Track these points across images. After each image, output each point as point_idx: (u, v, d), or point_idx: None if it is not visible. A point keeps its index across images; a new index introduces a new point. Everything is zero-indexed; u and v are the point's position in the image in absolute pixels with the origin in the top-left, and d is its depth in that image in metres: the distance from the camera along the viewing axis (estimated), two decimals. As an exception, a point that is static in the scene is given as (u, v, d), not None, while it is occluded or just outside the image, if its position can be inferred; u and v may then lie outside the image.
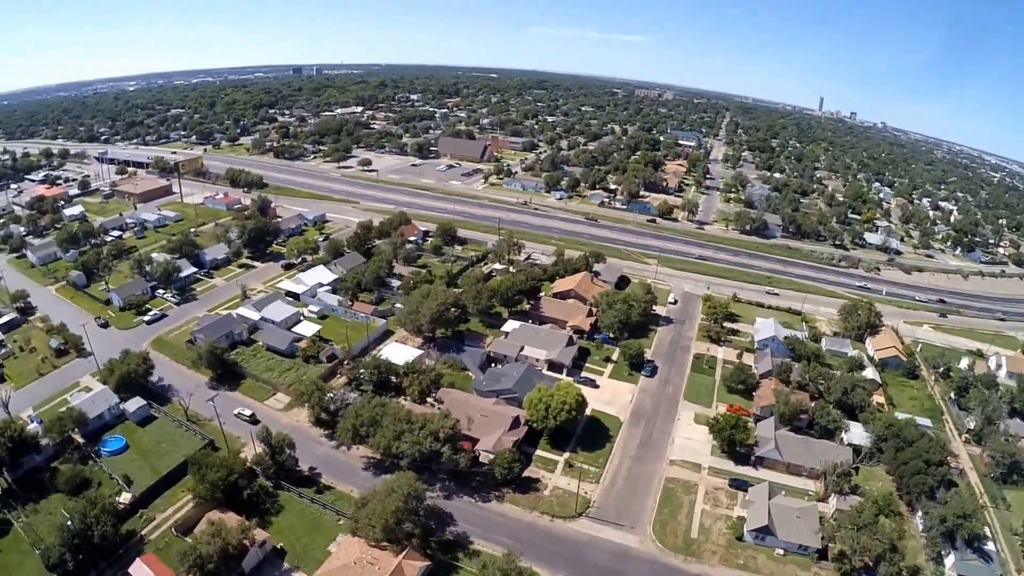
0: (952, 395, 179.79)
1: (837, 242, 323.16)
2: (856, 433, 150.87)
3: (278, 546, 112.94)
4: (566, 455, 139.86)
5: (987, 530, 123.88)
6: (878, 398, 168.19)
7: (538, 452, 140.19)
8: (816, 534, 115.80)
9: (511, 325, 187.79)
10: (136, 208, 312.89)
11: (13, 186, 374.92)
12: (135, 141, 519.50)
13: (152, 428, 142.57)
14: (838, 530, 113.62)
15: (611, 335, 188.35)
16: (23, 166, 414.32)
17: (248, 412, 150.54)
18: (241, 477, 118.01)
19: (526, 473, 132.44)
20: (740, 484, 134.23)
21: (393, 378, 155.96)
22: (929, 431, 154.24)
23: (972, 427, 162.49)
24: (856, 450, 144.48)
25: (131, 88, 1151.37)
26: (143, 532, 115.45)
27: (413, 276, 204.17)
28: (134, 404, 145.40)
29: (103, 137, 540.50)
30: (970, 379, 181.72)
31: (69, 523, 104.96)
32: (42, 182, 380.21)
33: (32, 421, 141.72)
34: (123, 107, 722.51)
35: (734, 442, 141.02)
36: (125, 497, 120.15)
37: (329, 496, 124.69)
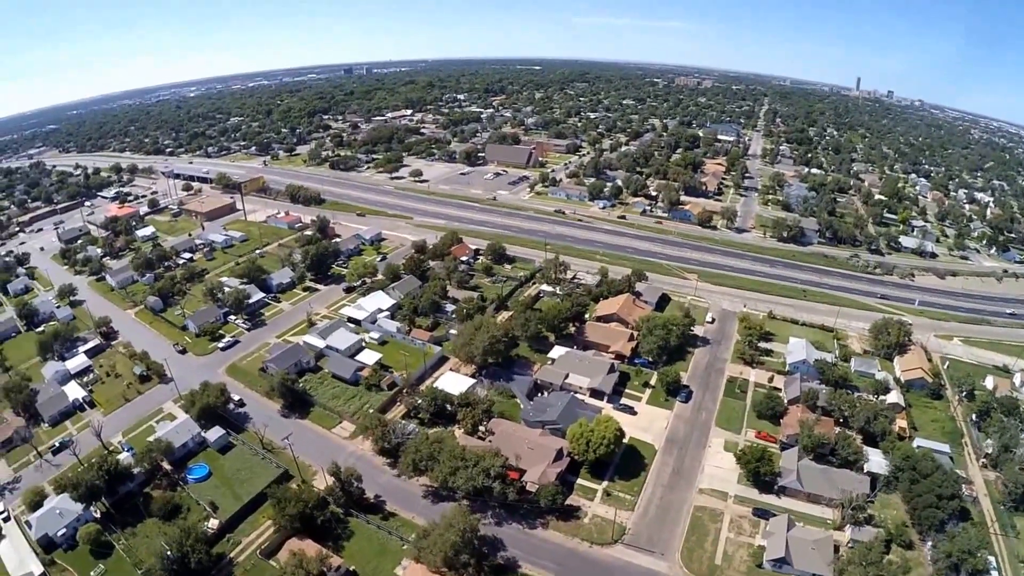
0: (974, 417, 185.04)
1: (872, 247, 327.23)
2: (875, 461, 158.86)
3: (351, 568, 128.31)
4: (604, 484, 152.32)
5: (993, 560, 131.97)
6: (901, 422, 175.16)
7: (579, 481, 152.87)
8: (829, 566, 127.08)
9: (557, 351, 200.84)
10: (203, 227, 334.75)
11: (87, 203, 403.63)
12: (198, 153, 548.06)
13: (231, 456, 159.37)
14: (848, 565, 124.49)
15: (650, 359, 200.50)
16: (95, 183, 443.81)
17: (236, 397, 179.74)
18: (315, 508, 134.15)
19: (568, 501, 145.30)
20: (763, 513, 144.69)
21: (448, 406, 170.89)
22: (947, 456, 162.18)
23: (989, 452, 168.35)
24: (874, 479, 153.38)
25: (191, 94, 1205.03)
26: (231, 555, 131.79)
27: (466, 303, 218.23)
28: (214, 433, 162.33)
29: (168, 150, 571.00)
30: (991, 403, 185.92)
31: (168, 552, 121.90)
32: (114, 199, 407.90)
33: (123, 448, 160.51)
34: (185, 117, 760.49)
35: (759, 473, 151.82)
36: (212, 523, 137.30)
37: (394, 523, 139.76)
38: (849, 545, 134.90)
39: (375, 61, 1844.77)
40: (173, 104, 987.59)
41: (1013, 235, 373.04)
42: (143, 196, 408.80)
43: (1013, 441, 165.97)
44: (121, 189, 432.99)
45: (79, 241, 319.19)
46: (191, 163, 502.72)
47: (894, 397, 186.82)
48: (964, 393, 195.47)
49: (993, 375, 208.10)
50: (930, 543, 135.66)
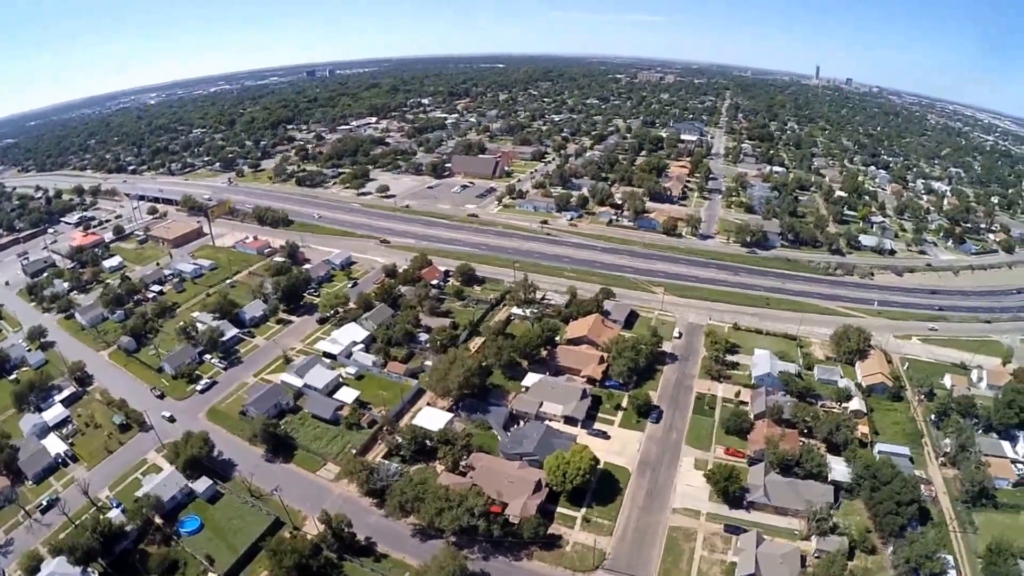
0: (933, 417, 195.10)
1: (833, 248, 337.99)
2: (839, 470, 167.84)
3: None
4: (583, 511, 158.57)
5: (951, 560, 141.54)
6: (863, 428, 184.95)
7: (559, 509, 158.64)
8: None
9: (531, 378, 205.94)
10: (171, 256, 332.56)
11: (50, 230, 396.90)
12: (161, 171, 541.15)
13: (221, 505, 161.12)
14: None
15: (621, 382, 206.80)
16: (57, 208, 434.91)
17: (167, 414, 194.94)
18: (310, 556, 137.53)
19: (550, 530, 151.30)
20: (734, 529, 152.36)
21: (428, 442, 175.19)
22: (907, 458, 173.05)
23: (947, 452, 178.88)
24: (838, 488, 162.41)
25: (152, 101, 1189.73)
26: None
27: (439, 333, 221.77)
28: (202, 484, 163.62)
29: (131, 167, 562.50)
30: (949, 403, 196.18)
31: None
32: (77, 225, 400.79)
33: (112, 504, 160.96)
34: (146, 129, 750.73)
35: (728, 491, 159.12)
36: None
37: (386, 564, 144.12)
38: (816, 555, 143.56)
39: (338, 61, 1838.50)
40: (134, 114, 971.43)
41: (969, 225, 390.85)
42: (107, 221, 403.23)
43: (969, 441, 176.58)
44: (84, 214, 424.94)
45: (45, 274, 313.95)
46: (154, 183, 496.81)
47: (856, 403, 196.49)
48: (923, 394, 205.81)
49: (951, 373, 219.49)
50: (891, 548, 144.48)
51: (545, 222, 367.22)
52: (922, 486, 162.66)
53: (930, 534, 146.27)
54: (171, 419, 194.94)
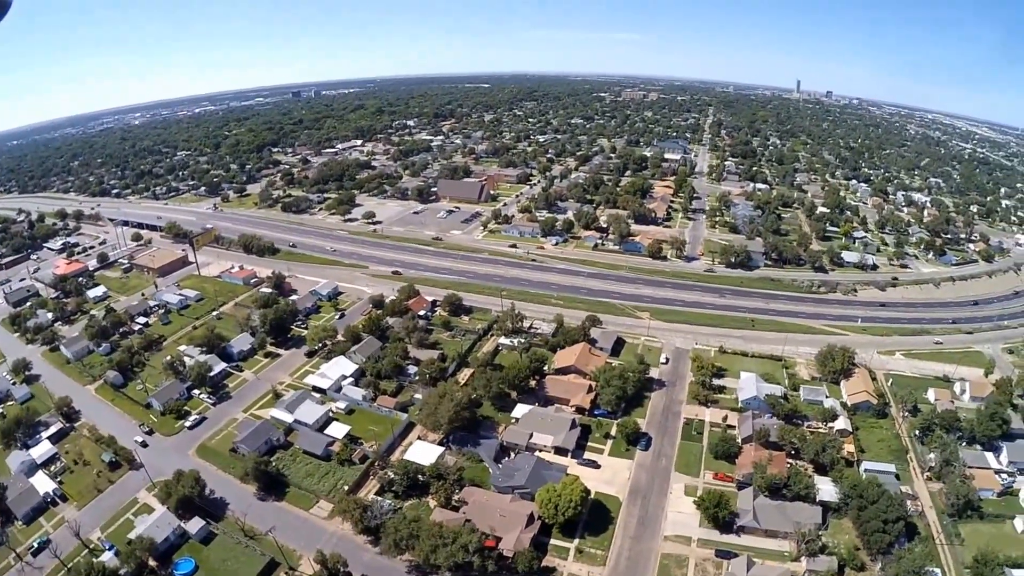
0: (917, 433, 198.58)
1: (816, 265, 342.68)
2: (826, 490, 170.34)
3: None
4: (576, 542, 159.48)
5: (939, 572, 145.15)
6: (848, 447, 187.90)
7: (552, 541, 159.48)
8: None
9: (520, 409, 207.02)
10: (156, 285, 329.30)
11: (33, 257, 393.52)
12: (145, 195, 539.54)
13: (215, 547, 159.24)
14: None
15: (609, 410, 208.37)
16: (40, 233, 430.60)
17: (140, 439, 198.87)
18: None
19: (544, 563, 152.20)
20: (725, 554, 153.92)
21: (420, 477, 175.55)
22: (893, 475, 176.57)
23: (932, 467, 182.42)
24: (826, 508, 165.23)
25: (136, 121, 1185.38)
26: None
27: (428, 366, 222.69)
28: (195, 525, 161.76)
29: (115, 191, 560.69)
30: (932, 419, 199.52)
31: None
32: (60, 251, 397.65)
33: (104, 546, 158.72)
34: (131, 151, 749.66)
35: (718, 517, 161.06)
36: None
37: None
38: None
39: (323, 82, 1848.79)
40: (118, 135, 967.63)
41: (949, 236, 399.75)
42: (91, 247, 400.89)
43: (953, 456, 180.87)
44: (67, 239, 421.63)
45: (28, 303, 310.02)
46: (138, 207, 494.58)
47: (842, 423, 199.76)
48: (907, 410, 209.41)
49: (935, 387, 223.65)
50: (880, 565, 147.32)
51: (514, 245, 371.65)
52: (908, 502, 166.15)
53: (917, 549, 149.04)
54: (143, 444, 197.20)
